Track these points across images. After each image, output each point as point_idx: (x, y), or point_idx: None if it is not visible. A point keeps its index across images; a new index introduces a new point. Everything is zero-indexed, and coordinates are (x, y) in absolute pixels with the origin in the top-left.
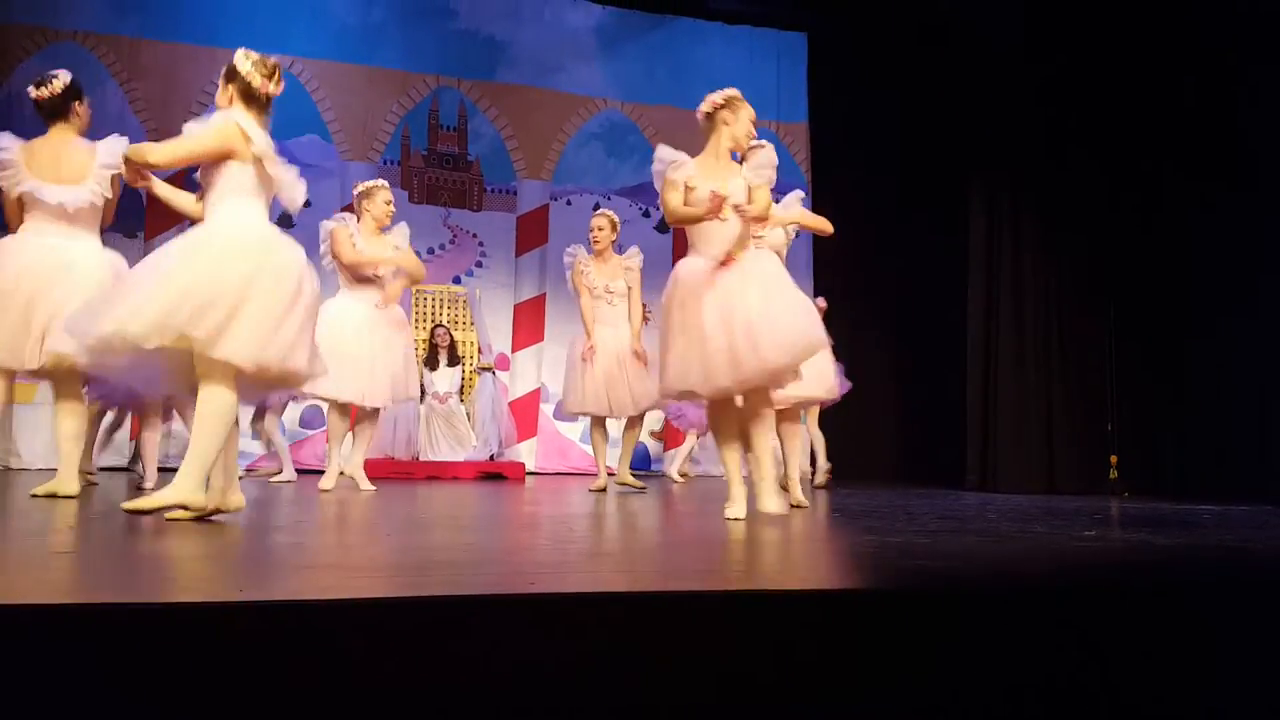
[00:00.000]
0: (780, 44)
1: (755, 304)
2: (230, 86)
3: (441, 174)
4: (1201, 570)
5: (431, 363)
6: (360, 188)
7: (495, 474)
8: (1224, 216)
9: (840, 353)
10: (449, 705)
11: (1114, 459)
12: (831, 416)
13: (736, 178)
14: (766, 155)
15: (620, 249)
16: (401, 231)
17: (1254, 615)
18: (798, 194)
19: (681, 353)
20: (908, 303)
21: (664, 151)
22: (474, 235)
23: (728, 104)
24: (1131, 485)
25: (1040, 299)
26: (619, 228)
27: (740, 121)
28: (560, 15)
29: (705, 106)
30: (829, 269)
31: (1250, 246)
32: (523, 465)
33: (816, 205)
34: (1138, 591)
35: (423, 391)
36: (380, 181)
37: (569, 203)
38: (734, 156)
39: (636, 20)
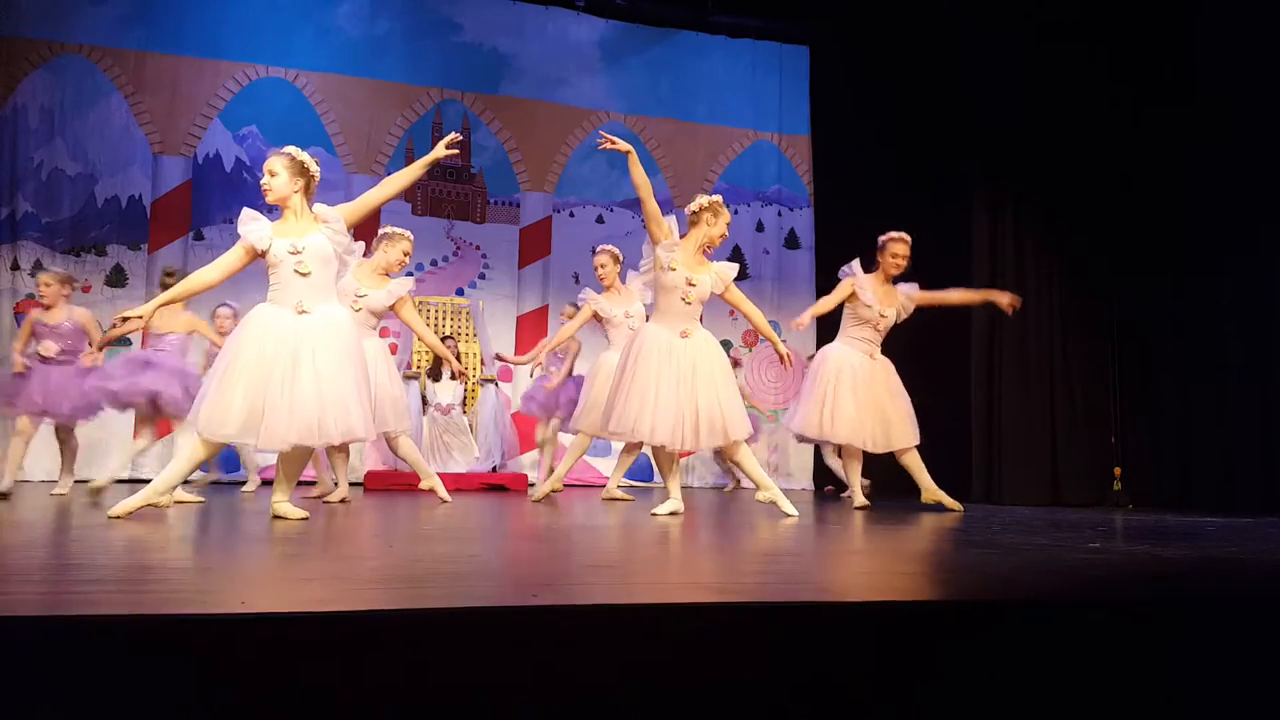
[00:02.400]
0: (782, 57)
1: (713, 392)
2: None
3: (445, 186)
4: (1208, 582)
5: (435, 374)
6: (386, 230)
7: (498, 485)
8: (1229, 223)
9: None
10: (452, 717)
11: (1118, 471)
12: None
13: (707, 273)
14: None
15: (623, 260)
16: (404, 284)
17: (1261, 629)
18: (734, 267)
19: (637, 404)
20: (911, 314)
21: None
22: (477, 247)
23: (711, 208)
24: (1135, 497)
25: (1044, 311)
26: (621, 259)
27: (718, 225)
28: (564, 29)
29: (692, 205)
30: (832, 282)
31: (1255, 254)
32: (525, 476)
33: (819, 216)
34: (1142, 603)
35: (425, 403)
36: (407, 233)
37: (572, 215)
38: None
39: (639, 34)
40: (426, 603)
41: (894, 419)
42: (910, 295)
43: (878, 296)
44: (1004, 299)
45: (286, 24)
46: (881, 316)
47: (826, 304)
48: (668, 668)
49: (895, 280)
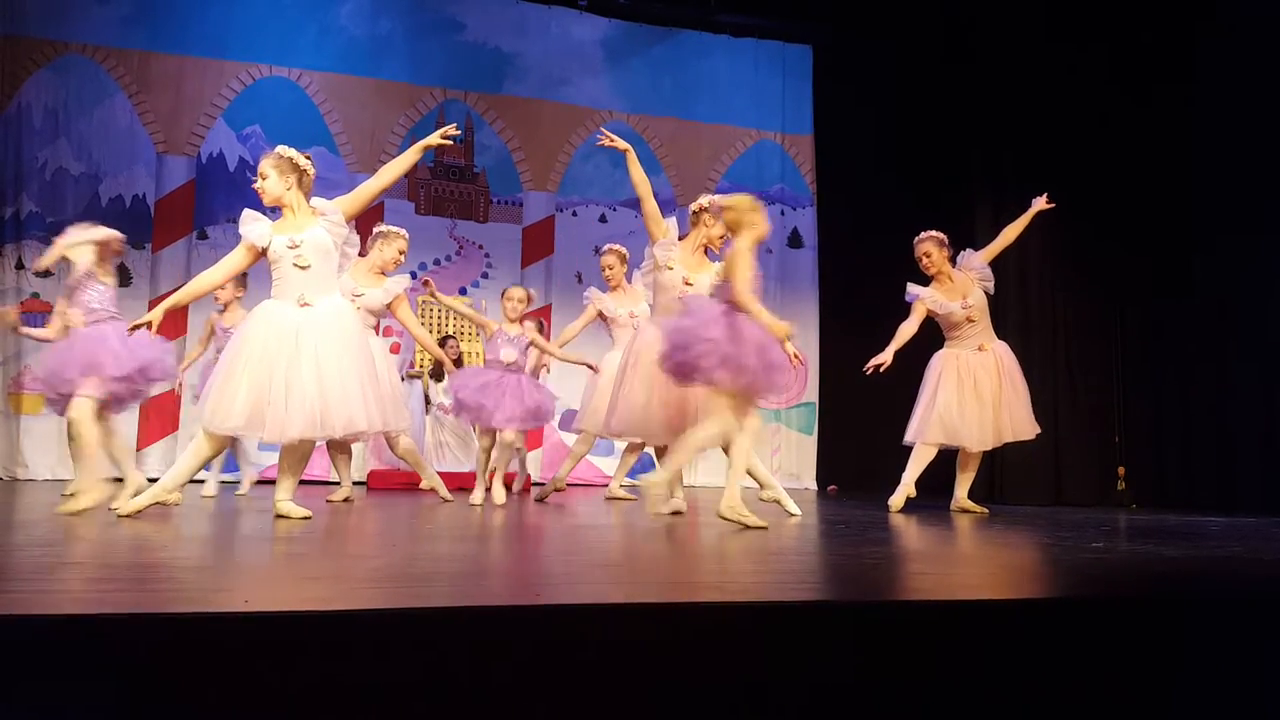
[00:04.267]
0: (786, 56)
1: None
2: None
3: (448, 185)
4: (1211, 582)
5: (437, 374)
6: (382, 229)
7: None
8: (1231, 222)
9: (843, 366)
10: (454, 716)
11: (1121, 470)
12: (838, 429)
13: (706, 273)
14: None
15: (629, 259)
16: (400, 282)
17: (1262, 629)
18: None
19: (640, 405)
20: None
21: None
22: (480, 246)
23: (710, 209)
24: (1139, 496)
25: (1046, 311)
26: (628, 259)
27: (718, 226)
28: (566, 28)
29: (693, 206)
30: (834, 282)
31: (1258, 256)
32: (529, 476)
33: (822, 217)
34: (1145, 602)
35: (428, 402)
36: (402, 231)
37: (574, 214)
38: (709, 254)
39: (642, 33)
40: (429, 602)
41: (1006, 411)
42: (975, 267)
43: (948, 296)
44: (1041, 203)
45: (290, 24)
46: (965, 309)
47: (907, 331)
48: (670, 667)
49: (954, 261)
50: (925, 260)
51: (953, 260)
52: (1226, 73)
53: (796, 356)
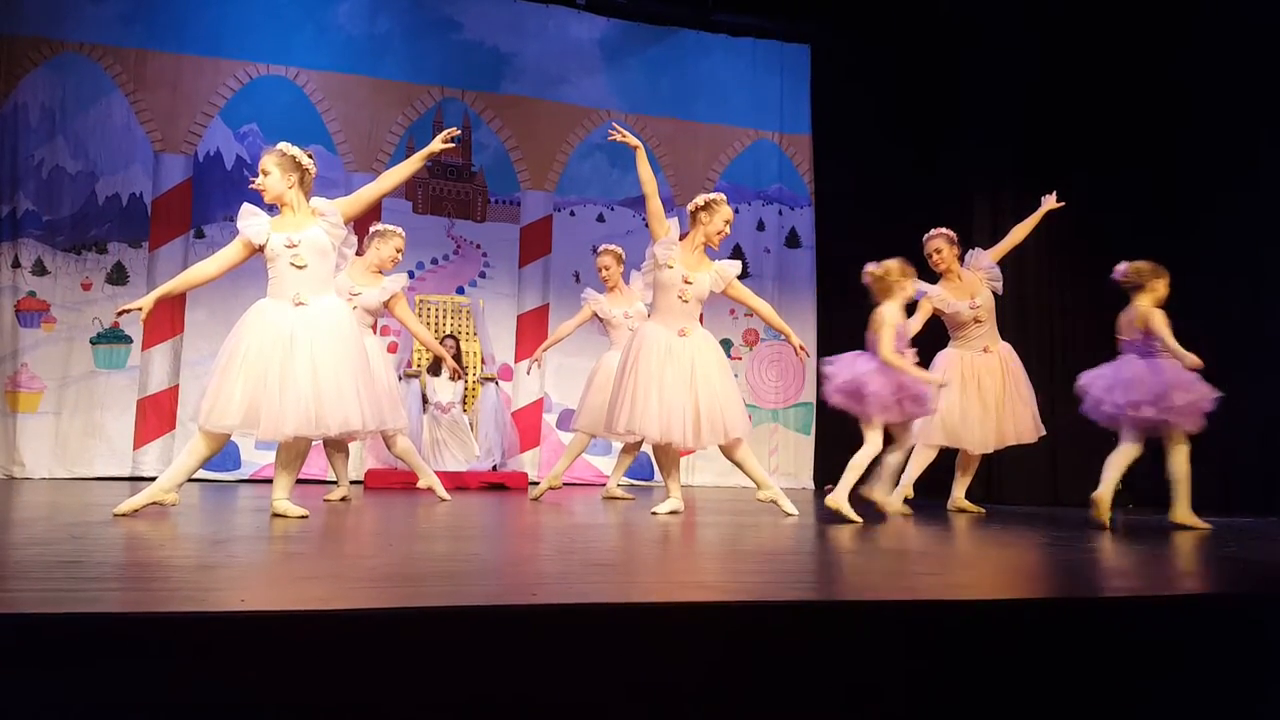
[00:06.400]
0: (783, 56)
1: (712, 390)
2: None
3: (445, 185)
4: (1208, 583)
5: (435, 370)
6: (379, 227)
7: (498, 484)
8: (1232, 221)
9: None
10: (450, 716)
11: None
12: (836, 429)
13: (706, 271)
14: None
15: (625, 259)
16: (397, 280)
17: (1261, 628)
18: (737, 265)
19: (641, 403)
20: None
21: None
22: (478, 246)
23: (707, 206)
24: (1135, 497)
25: (1044, 310)
26: (624, 259)
27: (714, 222)
28: (564, 27)
29: (690, 206)
30: (833, 281)
31: (1256, 257)
32: (526, 475)
33: (819, 216)
34: (1140, 602)
35: (425, 402)
36: (399, 230)
37: (572, 214)
38: (708, 252)
39: (640, 32)
40: (426, 601)
41: (1009, 414)
42: (984, 267)
43: (955, 296)
44: (1051, 202)
45: (287, 22)
46: (973, 309)
47: (912, 327)
48: (667, 667)
49: (962, 259)
50: (935, 257)
51: (961, 259)
52: (1226, 74)
53: (802, 348)
